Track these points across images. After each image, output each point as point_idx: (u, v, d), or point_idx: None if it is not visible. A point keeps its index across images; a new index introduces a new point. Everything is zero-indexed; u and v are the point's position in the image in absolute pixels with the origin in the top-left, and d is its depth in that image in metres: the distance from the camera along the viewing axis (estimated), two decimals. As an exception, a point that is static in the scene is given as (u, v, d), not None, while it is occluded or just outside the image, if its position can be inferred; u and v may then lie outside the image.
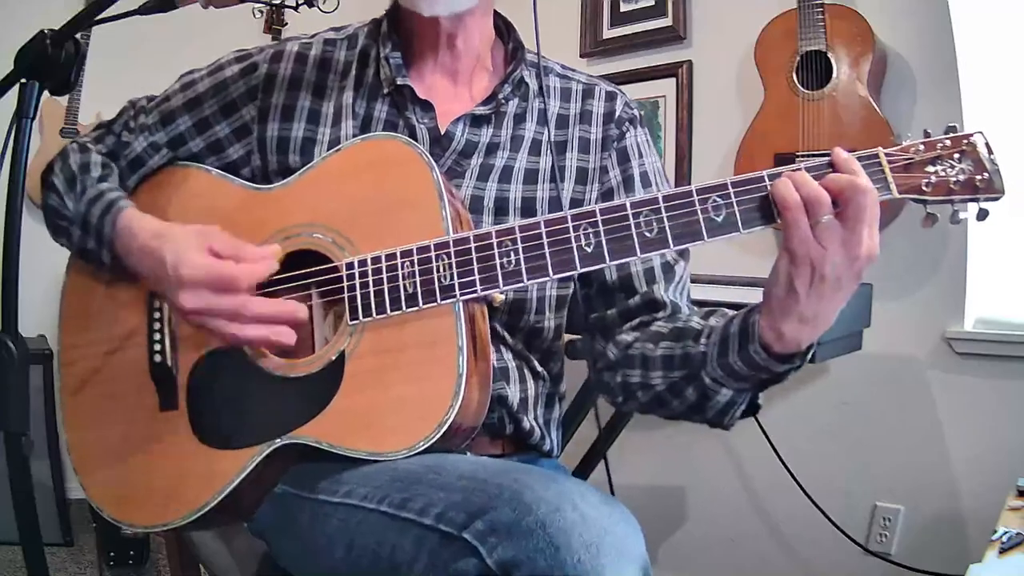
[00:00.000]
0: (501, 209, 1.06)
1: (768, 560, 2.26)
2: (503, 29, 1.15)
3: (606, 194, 1.11)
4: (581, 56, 2.63)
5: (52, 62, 0.91)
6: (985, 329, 1.99)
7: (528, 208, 1.07)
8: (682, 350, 0.98)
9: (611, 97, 1.15)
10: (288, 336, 0.90)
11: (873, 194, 0.81)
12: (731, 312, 0.96)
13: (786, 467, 2.10)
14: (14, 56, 0.92)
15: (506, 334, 1.05)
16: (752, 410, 0.98)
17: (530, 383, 1.08)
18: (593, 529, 0.71)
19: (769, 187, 0.84)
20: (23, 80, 0.92)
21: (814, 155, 1.96)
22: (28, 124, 0.92)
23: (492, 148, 1.08)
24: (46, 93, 0.93)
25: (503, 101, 1.08)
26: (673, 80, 2.46)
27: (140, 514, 0.99)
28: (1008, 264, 2.02)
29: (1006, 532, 1.29)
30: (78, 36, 0.94)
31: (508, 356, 1.06)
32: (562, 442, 1.17)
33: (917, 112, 2.02)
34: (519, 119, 1.10)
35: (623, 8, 2.56)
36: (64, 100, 2.89)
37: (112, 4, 0.94)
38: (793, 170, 0.84)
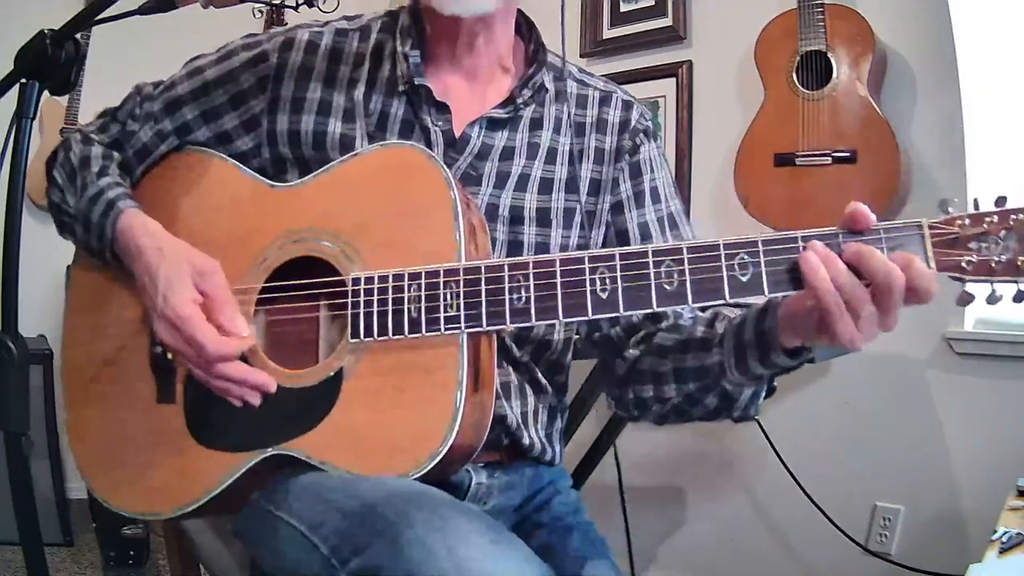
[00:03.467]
0: (516, 219, 1.04)
1: (768, 560, 2.26)
2: (524, 28, 1.12)
3: (615, 206, 1.10)
4: (581, 56, 2.63)
5: (52, 62, 0.91)
6: (985, 329, 1.98)
7: (543, 218, 1.05)
8: (695, 361, 0.97)
9: (628, 106, 1.12)
10: (252, 399, 0.91)
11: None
12: (733, 314, 0.95)
13: (786, 467, 2.10)
14: (14, 56, 0.92)
15: (513, 346, 1.03)
16: (770, 394, 0.98)
17: (531, 398, 1.06)
18: None
19: (801, 262, 0.78)
20: (23, 80, 0.92)
21: (814, 155, 1.98)
22: (28, 124, 0.91)
23: (507, 153, 1.05)
24: (46, 93, 0.93)
25: (521, 105, 1.06)
26: (673, 80, 2.46)
27: (130, 500, 0.99)
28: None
29: (1006, 532, 1.29)
30: (78, 36, 0.94)
31: (510, 370, 1.04)
32: (563, 446, 1.17)
33: (917, 112, 2.02)
34: (535, 124, 1.08)
35: (623, 8, 2.56)
36: (64, 100, 2.89)
37: (112, 4, 0.94)
38: (828, 236, 0.79)
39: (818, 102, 1.98)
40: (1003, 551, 1.24)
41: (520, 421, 1.04)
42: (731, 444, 2.32)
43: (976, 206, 0.79)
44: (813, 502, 2.09)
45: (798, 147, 2.00)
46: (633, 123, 1.11)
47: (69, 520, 2.60)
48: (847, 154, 1.94)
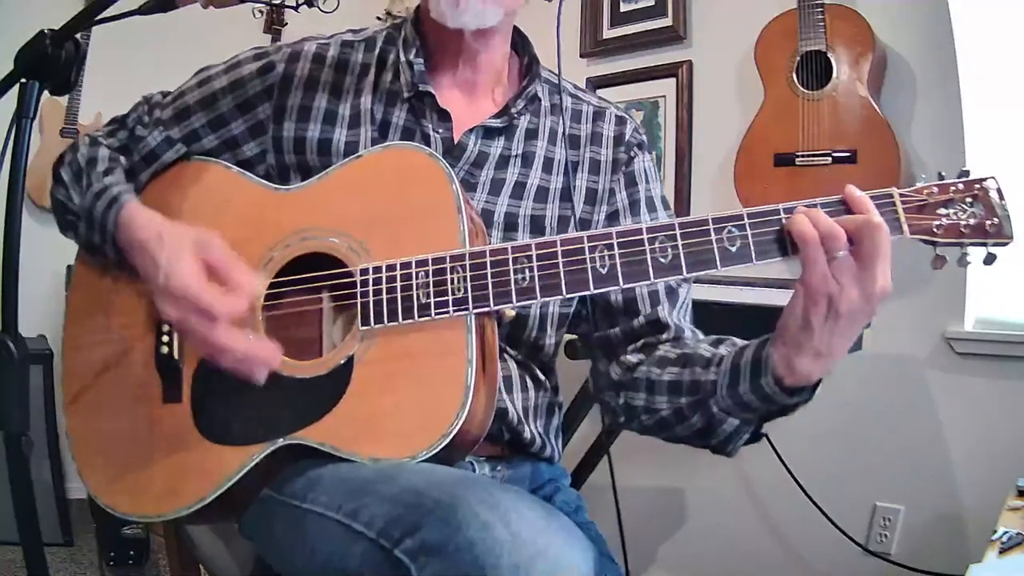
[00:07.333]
0: (511, 225, 1.06)
1: (768, 560, 2.26)
2: (518, 42, 1.15)
3: (611, 215, 1.12)
4: (581, 56, 2.63)
5: (52, 62, 0.91)
6: (985, 329, 1.99)
7: (537, 226, 1.07)
8: (690, 377, 0.98)
9: (621, 121, 1.16)
10: (260, 374, 0.89)
11: (886, 232, 0.82)
12: (741, 342, 0.97)
13: (786, 467, 2.10)
14: (14, 56, 0.92)
15: (507, 347, 1.05)
16: (755, 439, 1.00)
17: (532, 392, 1.08)
18: (524, 550, 0.70)
19: (784, 220, 0.85)
20: (23, 80, 0.92)
21: (814, 155, 1.98)
22: (28, 124, 0.92)
23: (503, 161, 1.08)
24: (46, 93, 0.93)
25: (515, 115, 1.09)
26: (673, 80, 2.46)
27: (136, 504, 0.99)
28: (1008, 264, 2.01)
29: (1006, 532, 1.29)
30: (78, 36, 0.94)
31: (512, 364, 1.06)
32: (562, 445, 1.17)
33: (917, 112, 2.02)
34: (531, 134, 1.11)
35: (623, 8, 2.57)
36: (64, 100, 2.89)
37: (112, 4, 0.94)
38: (808, 206, 0.85)
39: (818, 102, 1.98)
40: (1003, 551, 1.24)
41: (521, 415, 1.05)
42: (731, 444, 2.32)
43: (941, 177, 0.88)
44: (813, 502, 2.09)
45: (798, 147, 2.00)
46: (627, 136, 1.15)
47: (69, 520, 2.60)
48: (847, 154, 1.95)
